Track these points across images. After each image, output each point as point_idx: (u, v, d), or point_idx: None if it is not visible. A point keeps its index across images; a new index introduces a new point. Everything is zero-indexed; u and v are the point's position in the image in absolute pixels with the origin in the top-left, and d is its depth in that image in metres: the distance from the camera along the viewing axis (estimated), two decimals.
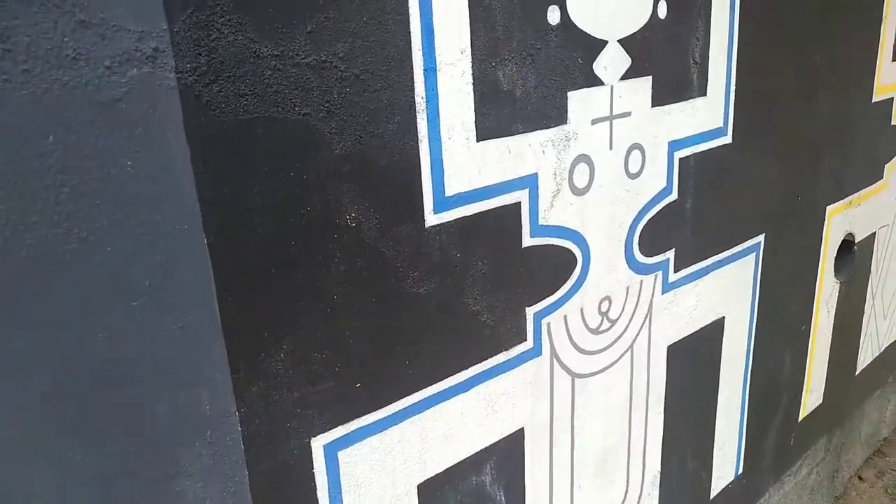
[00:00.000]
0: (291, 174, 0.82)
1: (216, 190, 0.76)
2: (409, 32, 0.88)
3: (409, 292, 0.97)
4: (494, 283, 1.08)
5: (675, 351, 1.49)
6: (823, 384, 2.16)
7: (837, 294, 2.08)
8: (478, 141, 1.00)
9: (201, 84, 0.72)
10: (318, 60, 0.80)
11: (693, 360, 1.56)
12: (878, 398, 2.73)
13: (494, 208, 1.05)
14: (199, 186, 0.75)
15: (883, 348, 2.51)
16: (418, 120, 0.92)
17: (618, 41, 1.14)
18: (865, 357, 2.39)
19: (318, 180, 0.84)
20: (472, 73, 0.96)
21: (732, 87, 1.41)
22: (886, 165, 2.16)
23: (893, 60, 2.02)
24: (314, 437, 0.93)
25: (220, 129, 0.75)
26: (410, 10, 0.87)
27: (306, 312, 0.87)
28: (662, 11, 1.20)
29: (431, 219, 0.97)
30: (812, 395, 2.11)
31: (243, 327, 0.82)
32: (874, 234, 2.20)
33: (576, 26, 1.07)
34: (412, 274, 0.97)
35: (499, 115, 1.01)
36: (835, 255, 2.00)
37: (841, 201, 1.95)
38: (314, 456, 0.93)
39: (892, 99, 2.08)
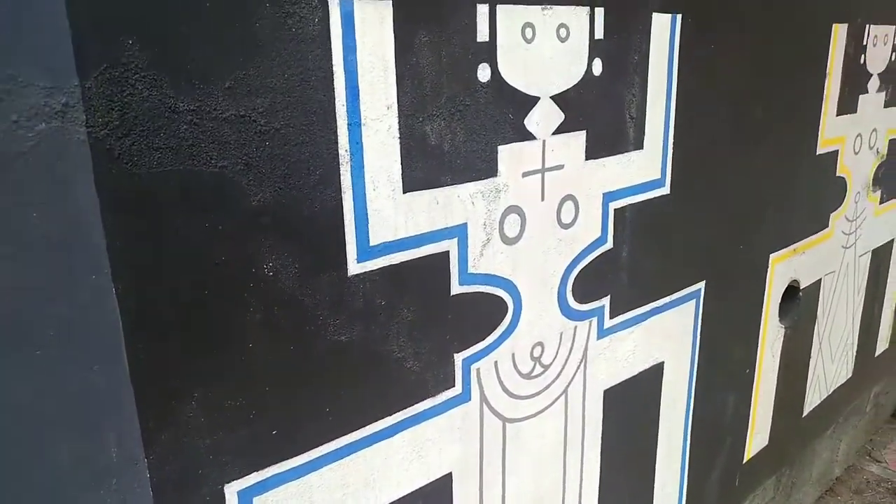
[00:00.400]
0: (206, 225, 0.83)
1: (127, 240, 0.77)
2: (333, 89, 0.90)
3: (329, 340, 0.98)
4: (421, 330, 1.10)
5: (611, 395, 1.51)
6: (769, 426, 2.19)
7: (783, 338, 2.12)
8: (404, 192, 1.02)
9: (113, 138, 0.74)
10: (236, 115, 0.82)
11: (631, 403, 1.58)
12: (830, 438, 2.78)
13: (422, 257, 1.07)
14: (109, 237, 0.76)
15: (831, 390, 2.56)
16: (342, 172, 0.94)
17: (550, 97, 1.18)
18: (813, 399, 2.44)
19: (234, 231, 0.85)
20: (399, 128, 0.99)
21: (670, 141, 1.45)
22: (832, 214, 2.22)
23: (838, 115, 2.09)
24: (228, 483, 0.93)
25: (132, 181, 0.76)
26: (334, 68, 0.90)
27: (220, 361, 0.88)
28: (597, 69, 1.24)
29: (355, 267, 0.98)
30: (758, 437, 2.14)
31: (153, 375, 0.82)
32: (820, 280, 2.26)
33: (507, 83, 1.11)
34: (333, 322, 0.98)
35: (426, 167, 1.04)
36: (779, 301, 2.05)
37: (784, 249, 2.00)
38: (227, 502, 0.93)
39: (836, 151, 2.15)
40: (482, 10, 1.04)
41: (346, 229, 0.96)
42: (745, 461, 2.12)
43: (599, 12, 1.22)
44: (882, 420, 3.36)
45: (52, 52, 0.68)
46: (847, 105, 2.12)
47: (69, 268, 0.74)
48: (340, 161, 0.93)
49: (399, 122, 0.99)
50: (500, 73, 1.09)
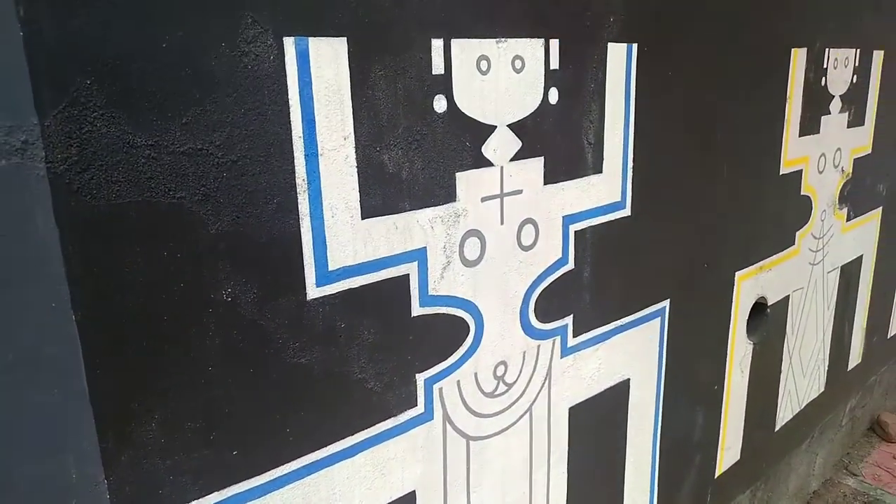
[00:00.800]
0: (165, 253, 0.86)
1: (86, 269, 0.80)
2: (290, 121, 0.94)
3: (289, 362, 1.01)
4: (382, 351, 1.13)
5: (577, 412, 1.55)
6: (741, 441, 2.23)
7: (751, 354, 2.17)
8: (363, 218, 1.06)
9: (72, 173, 0.78)
10: (193, 149, 0.86)
11: (597, 420, 1.62)
12: (806, 452, 2.81)
13: (381, 280, 1.11)
14: (69, 266, 0.79)
15: (804, 405, 2.60)
16: (300, 200, 0.98)
17: (507, 126, 1.23)
18: (785, 414, 2.48)
19: (192, 259, 0.89)
20: (356, 158, 1.03)
21: (630, 164, 1.50)
22: (798, 232, 2.28)
23: (800, 136, 2.16)
24: (187, 503, 0.95)
25: (92, 213, 0.80)
26: (291, 102, 0.94)
27: (179, 384, 0.91)
28: (553, 98, 1.29)
29: (314, 292, 1.02)
30: (729, 452, 2.18)
31: (113, 398, 0.85)
32: (788, 296, 2.31)
33: (463, 113, 1.15)
34: (293, 345, 1.01)
35: (384, 194, 1.08)
36: (747, 317, 2.09)
37: (750, 267, 2.05)
38: None
39: (800, 171, 2.21)
40: (437, 45, 1.09)
41: (305, 255, 1.00)
42: (716, 476, 2.15)
43: (554, 44, 1.27)
44: (859, 433, 3.40)
45: (12, 92, 0.72)
46: (809, 126, 2.19)
47: (29, 295, 0.77)
48: (298, 190, 0.97)
49: (356, 151, 1.03)
50: (456, 104, 1.14)
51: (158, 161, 0.84)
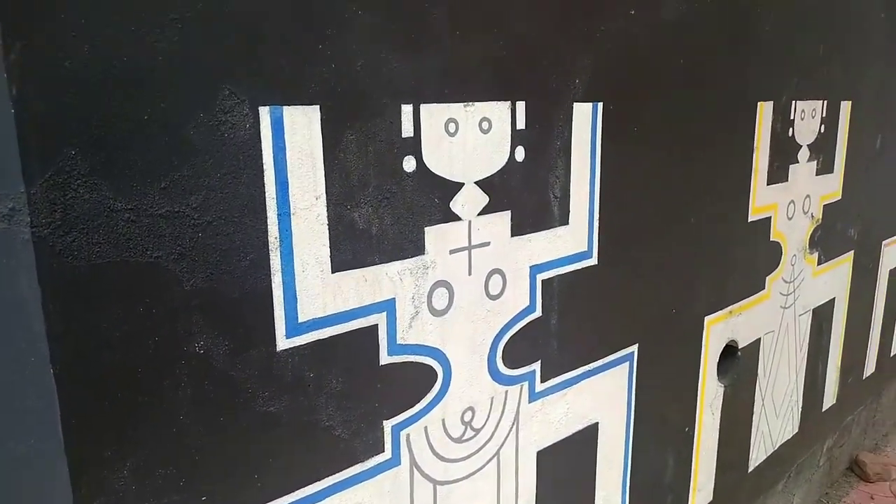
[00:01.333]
0: (141, 309, 0.92)
1: (66, 326, 0.85)
2: (264, 184, 1.01)
3: (258, 411, 1.06)
4: (350, 399, 1.18)
5: (545, 456, 1.59)
6: (713, 483, 2.26)
7: (722, 397, 2.22)
8: (333, 272, 1.12)
9: (55, 236, 0.83)
10: (171, 211, 0.92)
11: (565, 464, 1.66)
12: (782, 493, 2.85)
13: (351, 331, 1.16)
14: (49, 324, 0.84)
15: (777, 446, 2.64)
16: (272, 257, 1.04)
17: (475, 182, 1.29)
18: (758, 455, 2.52)
19: (167, 314, 0.94)
20: (328, 216, 1.09)
21: (596, 216, 1.57)
22: (768, 277, 2.35)
23: (769, 184, 2.24)
24: None
25: (73, 273, 0.85)
26: (265, 166, 1.00)
27: (151, 433, 0.95)
28: (520, 156, 1.36)
29: (283, 343, 1.07)
30: (700, 494, 2.21)
31: (87, 448, 0.90)
32: (759, 339, 2.37)
33: (432, 172, 1.22)
34: (262, 394, 1.06)
35: (354, 249, 1.14)
36: (717, 361, 2.15)
37: (720, 312, 2.11)
38: None
39: (769, 218, 2.29)
40: (406, 110, 1.16)
41: (276, 308, 1.05)
42: None
43: (521, 105, 1.34)
44: (838, 473, 3.44)
45: (2, 163, 0.78)
46: (777, 175, 2.27)
47: (10, 352, 0.82)
48: (270, 247, 1.03)
49: (328, 210, 1.09)
50: (425, 164, 1.21)
51: (137, 223, 0.89)
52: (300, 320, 1.09)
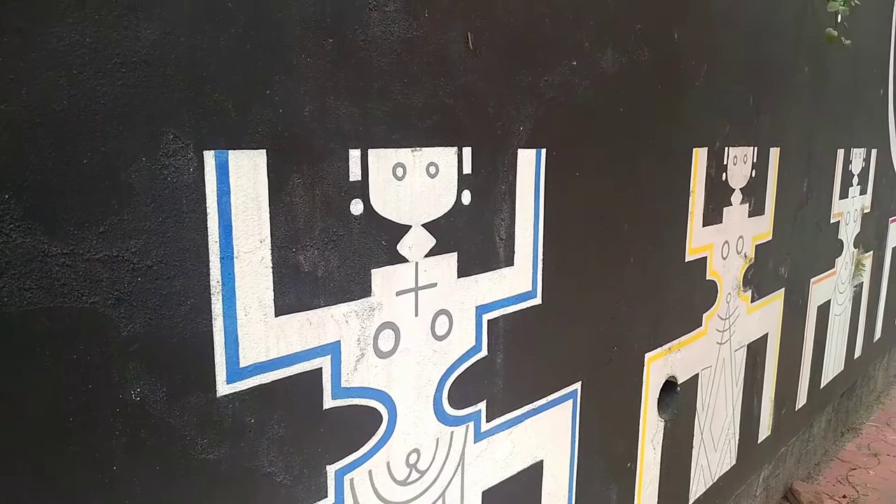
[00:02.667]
0: (74, 356, 0.89)
1: None
2: (207, 228, 1.00)
3: (197, 459, 1.03)
4: (292, 444, 1.16)
5: (490, 495, 1.59)
6: None
7: (663, 431, 2.27)
8: (276, 316, 1.11)
9: None
10: (109, 256, 0.90)
11: (511, 502, 1.66)
12: None
13: (294, 374, 1.15)
14: None
15: (716, 478, 2.71)
16: (213, 301, 1.02)
17: (422, 225, 1.31)
18: (698, 488, 2.58)
19: (102, 361, 0.91)
20: (272, 259, 1.09)
21: (540, 257, 1.61)
22: (705, 314, 2.44)
23: (704, 226, 2.34)
24: None
25: (3, 319, 0.82)
26: (208, 209, 1.00)
27: (83, 484, 0.91)
28: (466, 199, 1.39)
29: (224, 388, 1.05)
30: None
31: (15, 495, 0.86)
32: (697, 374, 2.44)
33: (379, 215, 1.24)
34: (201, 441, 1.03)
35: (299, 292, 1.13)
36: (657, 396, 2.21)
37: (660, 348, 2.18)
38: None
39: (705, 258, 2.39)
40: (354, 154, 1.18)
41: (217, 353, 1.04)
42: None
43: (467, 151, 1.38)
44: (774, 502, 3.54)
45: None
46: (712, 217, 2.38)
47: None
48: (212, 291, 1.02)
49: (272, 253, 1.09)
50: (372, 207, 1.22)
51: (73, 268, 0.87)
52: (242, 365, 1.07)
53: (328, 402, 1.21)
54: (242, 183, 1.03)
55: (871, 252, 4.23)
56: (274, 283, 1.10)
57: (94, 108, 0.87)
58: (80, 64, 0.85)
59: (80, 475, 0.91)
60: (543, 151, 1.56)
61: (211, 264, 1.01)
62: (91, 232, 0.88)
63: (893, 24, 3.90)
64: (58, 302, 0.87)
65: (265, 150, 1.05)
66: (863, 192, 3.88)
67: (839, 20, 2.90)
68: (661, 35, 1.94)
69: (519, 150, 1.50)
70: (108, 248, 0.90)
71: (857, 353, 4.33)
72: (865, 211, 3.98)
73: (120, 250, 0.91)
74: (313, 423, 1.19)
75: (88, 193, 0.88)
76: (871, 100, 3.81)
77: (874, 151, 3.94)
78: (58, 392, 0.88)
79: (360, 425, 1.27)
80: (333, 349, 1.20)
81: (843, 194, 3.60)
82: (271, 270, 1.09)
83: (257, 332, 1.08)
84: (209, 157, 0.99)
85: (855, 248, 3.94)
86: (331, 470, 1.23)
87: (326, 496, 1.23)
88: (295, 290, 1.13)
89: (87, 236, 0.88)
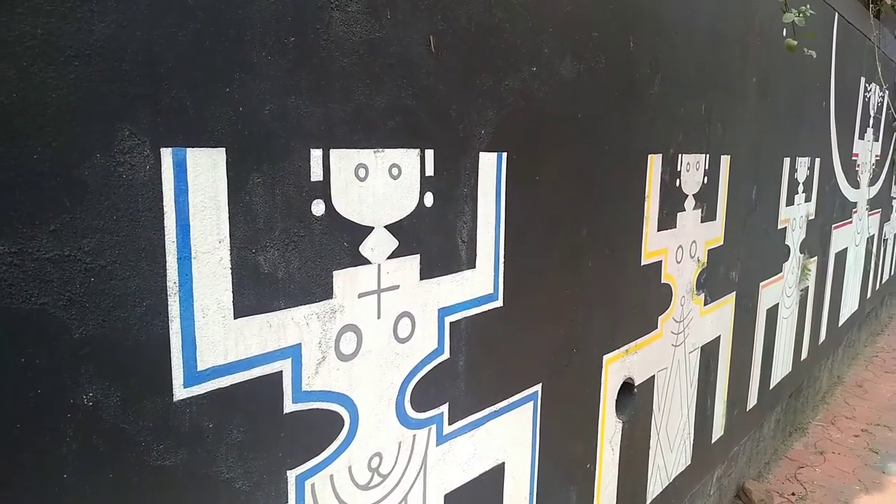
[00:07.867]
0: (22, 360, 0.85)
1: None
2: (163, 227, 0.97)
3: (152, 465, 1.00)
4: (252, 449, 1.14)
5: (452, 498, 1.59)
6: None
7: (621, 432, 2.31)
8: (235, 318, 1.09)
9: None
10: (60, 255, 0.87)
11: None
12: None
13: (253, 378, 1.13)
14: None
15: (672, 478, 2.77)
16: (170, 302, 1.00)
17: (384, 227, 1.31)
18: (655, 488, 2.63)
19: (52, 364, 0.88)
20: (231, 259, 1.07)
21: (501, 259, 1.63)
22: (660, 317, 2.50)
23: (659, 230, 2.40)
24: None
25: None
26: (165, 209, 0.97)
27: (31, 492, 0.88)
28: (429, 201, 1.39)
29: (181, 392, 1.02)
30: None
31: None
32: (653, 376, 2.50)
33: (341, 216, 1.23)
34: (157, 447, 1.00)
35: (259, 294, 1.11)
36: (615, 398, 2.24)
37: (617, 350, 2.22)
38: None
39: (660, 262, 2.44)
40: (316, 154, 1.16)
41: (173, 356, 1.01)
42: None
43: (430, 153, 1.38)
44: (727, 501, 3.63)
45: None
46: (667, 222, 2.44)
47: None
48: (169, 292, 0.99)
49: (231, 254, 1.07)
50: (334, 207, 1.21)
51: (21, 268, 0.84)
52: (199, 368, 1.04)
53: (289, 406, 1.19)
54: (201, 182, 1.01)
55: (816, 257, 4.40)
56: (233, 285, 1.07)
57: (45, 102, 0.84)
58: (30, 56, 0.82)
59: (28, 484, 0.88)
60: (504, 155, 1.58)
61: (168, 265, 0.99)
62: (41, 230, 0.85)
63: (834, 40, 4.08)
64: (4, 303, 0.83)
65: (224, 149, 1.03)
66: (808, 199, 4.04)
67: (794, 31, 3.02)
68: (618, 44, 1.99)
69: (481, 153, 1.51)
70: (60, 248, 0.87)
71: (804, 355, 4.50)
72: (810, 218, 4.14)
73: (72, 250, 0.88)
74: (273, 428, 1.17)
75: (38, 190, 0.84)
76: (815, 111, 3.97)
77: (818, 160, 4.11)
78: (4, 397, 0.84)
79: (321, 429, 1.26)
80: (294, 352, 1.19)
81: (790, 201, 3.74)
82: (230, 271, 1.07)
83: (216, 335, 1.06)
84: (166, 154, 0.96)
85: (801, 253, 4.10)
86: (291, 475, 1.21)
87: (287, 502, 1.21)
88: (255, 292, 1.11)
89: (37, 235, 0.85)
